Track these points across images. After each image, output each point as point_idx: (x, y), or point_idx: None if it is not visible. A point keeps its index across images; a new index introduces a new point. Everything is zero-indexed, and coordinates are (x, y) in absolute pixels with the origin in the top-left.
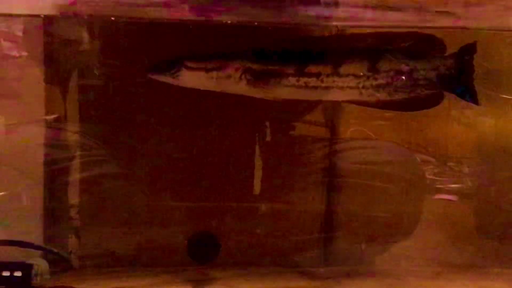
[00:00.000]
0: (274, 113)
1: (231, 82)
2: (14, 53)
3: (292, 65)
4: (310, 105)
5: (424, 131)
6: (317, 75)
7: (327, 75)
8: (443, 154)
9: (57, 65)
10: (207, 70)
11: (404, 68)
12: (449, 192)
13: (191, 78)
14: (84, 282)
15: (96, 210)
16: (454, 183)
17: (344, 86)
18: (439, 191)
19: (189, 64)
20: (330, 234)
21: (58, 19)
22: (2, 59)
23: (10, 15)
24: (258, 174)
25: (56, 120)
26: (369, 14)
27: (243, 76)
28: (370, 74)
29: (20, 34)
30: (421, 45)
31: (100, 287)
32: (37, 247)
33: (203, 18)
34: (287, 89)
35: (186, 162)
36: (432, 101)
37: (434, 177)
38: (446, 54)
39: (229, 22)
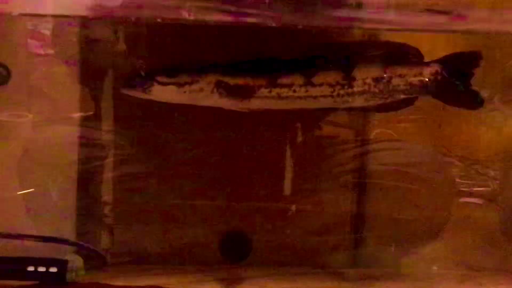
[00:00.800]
0: (304, 115)
1: (204, 95)
2: (41, 51)
3: (264, 77)
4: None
5: (450, 133)
6: (289, 86)
7: (300, 86)
8: (469, 157)
9: (90, 65)
10: (179, 85)
11: (381, 75)
12: (474, 195)
13: (164, 93)
14: (117, 279)
15: (128, 208)
16: (480, 186)
17: (318, 95)
18: (464, 194)
19: (161, 79)
20: (360, 235)
21: (93, 19)
22: (29, 58)
23: (43, 16)
24: (288, 174)
25: (89, 118)
26: (392, 16)
27: (215, 90)
28: (345, 82)
29: (47, 32)
30: (394, 53)
31: (133, 284)
32: (73, 244)
33: (239, 20)
34: (259, 100)
35: (217, 162)
36: (408, 102)
37: (460, 180)
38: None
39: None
